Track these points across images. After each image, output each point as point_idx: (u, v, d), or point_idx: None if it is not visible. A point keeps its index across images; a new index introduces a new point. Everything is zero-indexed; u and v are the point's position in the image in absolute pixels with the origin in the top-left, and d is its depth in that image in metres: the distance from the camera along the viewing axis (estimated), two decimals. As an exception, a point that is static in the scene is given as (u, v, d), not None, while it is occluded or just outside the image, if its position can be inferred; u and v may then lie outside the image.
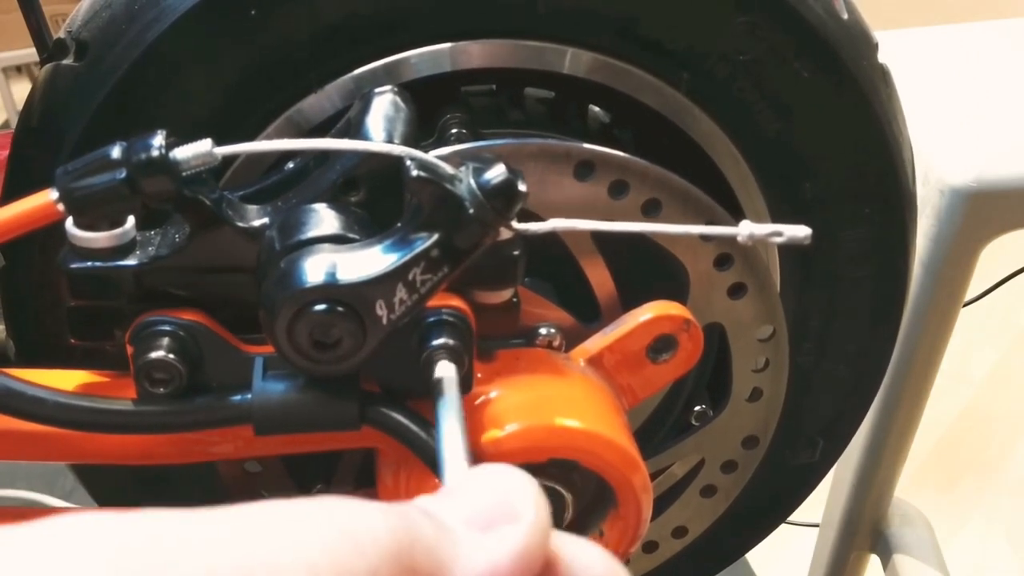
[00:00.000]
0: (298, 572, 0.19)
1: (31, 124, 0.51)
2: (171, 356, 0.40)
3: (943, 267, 0.86)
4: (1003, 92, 0.98)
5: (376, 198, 0.42)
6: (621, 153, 0.47)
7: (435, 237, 0.38)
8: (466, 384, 0.40)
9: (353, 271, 0.38)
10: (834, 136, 0.53)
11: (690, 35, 0.50)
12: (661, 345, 0.46)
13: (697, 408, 0.56)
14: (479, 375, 0.42)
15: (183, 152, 0.38)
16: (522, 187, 0.38)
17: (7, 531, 0.18)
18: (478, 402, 0.42)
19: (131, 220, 0.41)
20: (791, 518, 0.66)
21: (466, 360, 0.40)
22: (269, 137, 0.49)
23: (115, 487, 0.58)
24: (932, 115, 0.91)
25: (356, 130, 0.44)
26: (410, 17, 0.48)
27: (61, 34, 0.51)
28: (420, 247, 0.38)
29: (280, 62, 0.48)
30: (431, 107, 0.50)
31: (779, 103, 0.51)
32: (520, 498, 0.23)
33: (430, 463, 0.40)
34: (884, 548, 1.08)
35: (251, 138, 0.49)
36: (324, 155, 0.43)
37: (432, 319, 0.40)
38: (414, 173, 0.37)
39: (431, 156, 0.38)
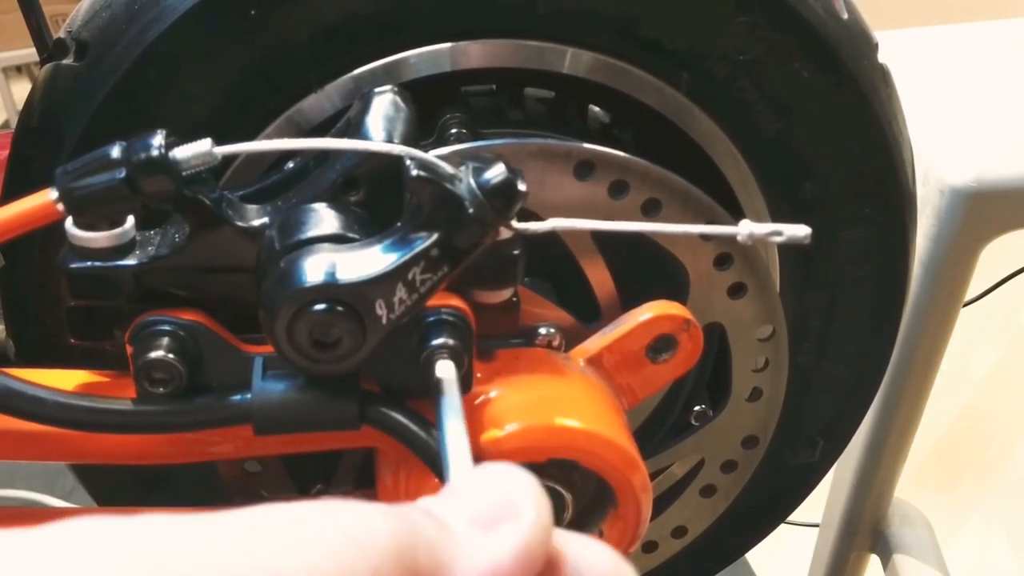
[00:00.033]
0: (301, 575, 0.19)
1: (31, 124, 0.51)
2: (171, 356, 0.40)
3: (943, 267, 0.86)
4: (1003, 92, 0.98)
5: (376, 198, 0.42)
6: (621, 153, 0.47)
7: (435, 237, 0.38)
8: (466, 384, 0.40)
9: (353, 271, 0.38)
10: (834, 136, 0.53)
11: (690, 35, 0.50)
12: (661, 345, 0.46)
13: (697, 408, 0.56)
14: (479, 375, 0.42)
15: (183, 152, 0.38)
16: (522, 187, 0.38)
17: (18, 534, 0.18)
18: (478, 402, 0.42)
19: (131, 220, 0.41)
20: (791, 518, 0.66)
21: (466, 360, 0.40)
22: (269, 137, 0.49)
23: (115, 487, 0.58)
24: (932, 115, 0.91)
25: (356, 130, 0.44)
26: (410, 17, 0.48)
27: (61, 34, 0.51)
28: (420, 247, 0.38)
29: (280, 62, 0.48)
30: (431, 107, 0.50)
31: (779, 103, 0.51)
32: (521, 496, 0.23)
33: (430, 463, 0.40)
34: (884, 548, 1.08)
35: (251, 138, 0.49)
36: (324, 155, 0.43)
37: (432, 319, 0.40)
38: (414, 173, 0.37)
39: (431, 156, 0.38)
